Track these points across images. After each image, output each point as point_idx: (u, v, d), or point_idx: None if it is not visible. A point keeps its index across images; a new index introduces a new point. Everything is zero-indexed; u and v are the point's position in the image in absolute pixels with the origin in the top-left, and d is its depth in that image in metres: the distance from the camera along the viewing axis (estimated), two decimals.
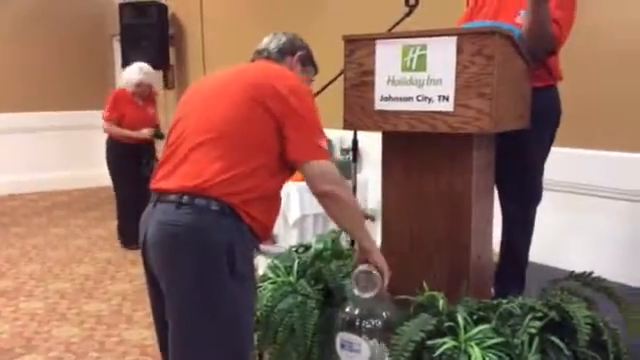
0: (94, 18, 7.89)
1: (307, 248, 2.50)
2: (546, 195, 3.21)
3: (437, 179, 2.13)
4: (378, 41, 2.08)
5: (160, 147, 6.05)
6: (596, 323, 1.75)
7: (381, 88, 2.08)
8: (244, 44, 5.75)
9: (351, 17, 4.51)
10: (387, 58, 2.06)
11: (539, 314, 1.78)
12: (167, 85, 7.09)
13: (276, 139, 1.75)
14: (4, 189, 7.35)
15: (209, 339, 1.69)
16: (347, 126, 2.22)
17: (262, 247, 2.10)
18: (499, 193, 2.46)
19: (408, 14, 2.57)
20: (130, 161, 4.94)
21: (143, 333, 3.32)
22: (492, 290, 2.47)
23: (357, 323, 1.95)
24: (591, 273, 2.01)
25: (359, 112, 2.15)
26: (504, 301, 1.86)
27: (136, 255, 4.49)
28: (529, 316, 1.77)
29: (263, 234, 1.82)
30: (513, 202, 2.45)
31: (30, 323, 3.54)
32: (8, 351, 3.18)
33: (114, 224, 5.33)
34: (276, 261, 2.30)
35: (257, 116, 1.75)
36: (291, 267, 2.24)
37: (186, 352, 1.72)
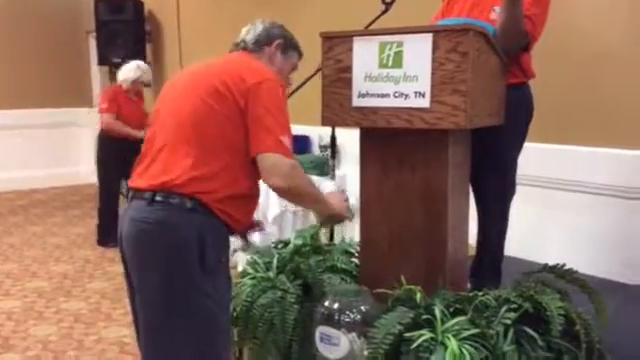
0: (69, 14, 7.80)
1: (286, 244, 2.52)
2: (523, 190, 3.27)
3: (414, 175, 2.15)
4: (355, 38, 2.10)
5: None
6: (569, 314, 1.80)
7: (358, 85, 2.10)
8: (220, 40, 5.73)
9: (329, 14, 4.53)
10: (364, 55, 2.08)
11: (513, 305, 1.82)
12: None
13: (245, 137, 1.74)
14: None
15: (178, 338, 1.69)
16: (325, 122, 2.23)
17: (253, 235, 2.12)
18: (473, 189, 2.50)
19: (384, 11, 2.60)
20: (122, 158, 4.85)
21: (122, 331, 3.31)
22: (468, 284, 2.52)
23: (336, 317, 1.98)
24: (564, 265, 2.05)
25: (337, 109, 2.16)
26: (480, 293, 1.89)
27: (114, 253, 4.47)
28: (504, 308, 1.81)
29: (240, 227, 1.83)
30: (487, 197, 2.50)
31: (7, 322, 3.50)
32: None
33: (93, 222, 5.29)
34: (255, 257, 2.32)
35: (225, 112, 1.73)
36: (270, 263, 2.25)
37: (156, 351, 1.72)
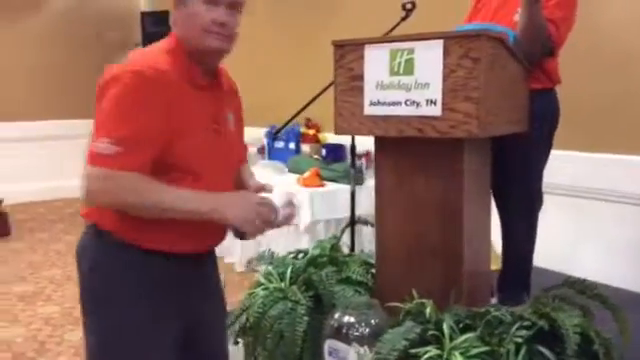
0: (121, 27, 8.03)
1: (305, 254, 2.49)
2: (558, 200, 3.16)
3: (428, 184, 2.09)
4: (367, 46, 2.06)
5: None
6: (587, 332, 1.70)
7: (370, 93, 2.06)
8: (257, 48, 5.82)
9: (358, 21, 4.50)
10: (376, 62, 2.04)
11: (527, 323, 1.73)
12: None
13: None
14: (32, 196, 7.52)
15: None
16: (338, 131, 2.20)
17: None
18: (496, 199, 2.41)
19: (405, 18, 2.55)
20: None
21: None
22: (494, 299, 2.43)
23: (344, 330, 1.94)
24: (584, 280, 1.95)
25: (349, 117, 2.13)
26: (492, 309, 1.81)
27: None
28: (517, 325, 1.73)
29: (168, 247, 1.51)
30: (511, 208, 2.41)
31: (45, 327, 3.61)
32: (21, 355, 3.25)
33: None
34: (270, 267, 2.30)
35: None
36: (284, 273, 2.23)
37: None
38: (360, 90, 2.09)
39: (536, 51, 2.17)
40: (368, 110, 2.08)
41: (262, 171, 4.71)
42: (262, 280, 2.24)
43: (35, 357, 3.22)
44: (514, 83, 2.13)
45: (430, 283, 2.09)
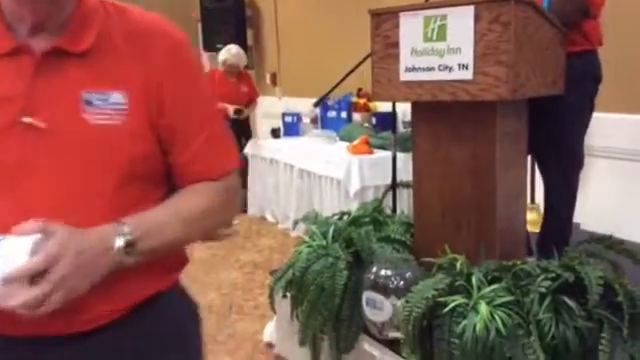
0: (181, 3, 8.28)
1: (349, 215, 2.63)
2: (608, 163, 3.16)
3: (463, 147, 2.18)
4: (402, 13, 2.15)
5: (255, 126, 6.36)
6: (611, 284, 1.77)
7: (405, 59, 2.16)
8: (314, 23, 5.93)
9: None
10: (410, 30, 2.13)
11: (552, 274, 1.81)
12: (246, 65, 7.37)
13: None
14: None
15: None
16: (376, 98, 2.31)
17: None
18: (537, 161, 2.47)
19: None
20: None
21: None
22: (532, 258, 2.50)
23: (381, 283, 2.08)
24: (611, 236, 2.00)
25: (386, 84, 2.23)
26: (518, 262, 1.90)
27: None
28: (542, 276, 1.81)
29: None
30: (551, 170, 2.45)
31: None
32: None
33: None
34: (313, 227, 2.45)
35: None
36: (327, 232, 2.38)
37: None
38: (396, 57, 2.18)
39: (569, 13, 2.19)
40: (404, 76, 2.17)
41: (313, 140, 4.86)
42: (306, 239, 2.40)
43: None
44: (548, 46, 2.17)
45: (464, 241, 2.19)
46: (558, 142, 2.40)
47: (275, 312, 2.55)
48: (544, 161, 2.48)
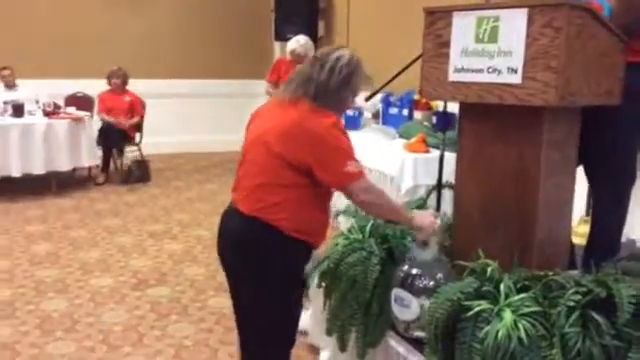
0: None
1: None
2: None
3: (508, 151, 2.15)
4: (455, 13, 2.13)
5: None
6: None
7: (455, 60, 2.14)
8: (384, 18, 5.90)
9: None
10: (462, 30, 2.11)
11: (584, 289, 1.77)
12: None
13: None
14: (177, 147, 8.22)
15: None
16: (424, 96, 2.31)
17: None
18: (586, 173, 2.39)
19: None
20: None
21: None
22: (578, 271, 2.44)
23: (410, 281, 2.09)
24: None
25: (435, 82, 2.22)
26: (550, 273, 1.87)
27: None
28: (572, 290, 1.77)
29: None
30: (601, 183, 2.38)
31: (167, 261, 4.09)
32: (143, 282, 3.74)
33: None
34: (352, 220, 2.48)
35: None
36: (365, 227, 2.40)
37: None
38: (446, 57, 2.17)
39: (629, 22, 2.11)
40: (452, 76, 2.16)
41: (372, 135, 4.87)
42: (344, 231, 2.43)
43: (155, 284, 3.69)
44: (605, 54, 2.10)
45: (501, 246, 2.16)
46: (610, 154, 2.32)
47: (310, 300, 2.60)
48: (594, 173, 2.40)
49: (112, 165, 6.65)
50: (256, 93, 8.60)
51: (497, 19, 2.01)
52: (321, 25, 7.26)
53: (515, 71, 1.98)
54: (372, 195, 2.03)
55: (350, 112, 5.64)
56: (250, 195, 2.04)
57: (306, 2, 7.07)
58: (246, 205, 2.04)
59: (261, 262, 2.03)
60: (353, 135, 5.04)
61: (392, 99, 5.37)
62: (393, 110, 5.31)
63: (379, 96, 5.44)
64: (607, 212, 2.41)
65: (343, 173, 1.97)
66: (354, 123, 5.53)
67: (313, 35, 7.16)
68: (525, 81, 1.96)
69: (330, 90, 2.02)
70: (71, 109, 6.39)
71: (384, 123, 5.35)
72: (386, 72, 4.72)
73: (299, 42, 5.55)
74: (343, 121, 5.55)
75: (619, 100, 2.21)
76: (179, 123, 8.25)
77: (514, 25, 1.97)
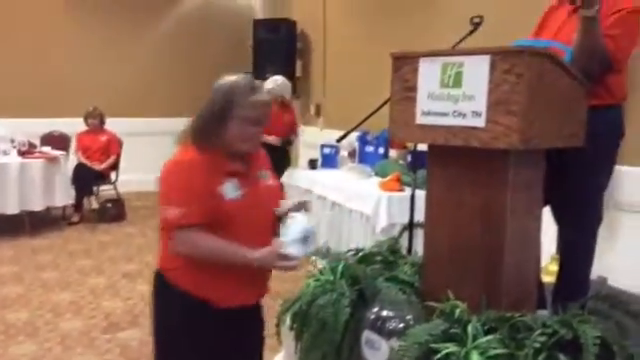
0: (236, 33, 8.56)
1: (362, 251, 2.65)
2: (634, 218, 3.07)
3: (475, 193, 2.18)
4: (421, 59, 2.19)
5: (293, 153, 6.51)
6: (610, 345, 1.73)
7: (422, 103, 2.19)
8: (359, 60, 6.01)
9: (435, 32, 4.57)
10: (428, 75, 2.16)
11: (549, 330, 1.78)
12: (294, 94, 7.52)
13: None
14: (153, 185, 8.18)
15: None
16: (392, 138, 2.35)
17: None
18: (553, 213, 2.43)
19: (472, 32, 2.63)
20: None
21: None
22: (547, 310, 2.45)
23: (380, 323, 2.08)
24: (616, 295, 1.95)
25: (403, 125, 2.26)
26: (517, 314, 1.88)
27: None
28: (538, 331, 1.79)
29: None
30: (567, 223, 2.42)
31: (140, 302, 4.03)
32: (114, 324, 3.68)
33: None
34: (323, 261, 2.48)
35: None
36: (336, 267, 2.40)
37: None
38: (413, 100, 2.21)
39: (594, 67, 2.18)
40: (419, 119, 2.20)
41: (349, 174, 4.91)
42: (316, 272, 2.43)
43: (126, 327, 3.63)
44: (567, 98, 2.16)
45: (471, 287, 2.17)
46: (576, 195, 2.37)
47: (282, 343, 2.58)
48: (561, 213, 2.44)
49: (87, 204, 6.58)
50: None
51: (461, 65, 2.07)
52: (299, 65, 7.36)
53: (479, 115, 2.02)
54: (186, 248, 1.83)
55: (327, 150, 5.70)
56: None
57: (284, 42, 7.18)
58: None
59: (156, 320, 1.97)
60: (330, 174, 5.14)
61: (368, 137, 5.44)
62: (369, 148, 5.36)
63: (355, 135, 5.52)
64: (574, 252, 2.44)
65: (163, 216, 1.84)
66: (331, 161, 5.58)
67: (291, 75, 7.25)
68: (489, 125, 2.00)
69: (206, 123, 1.87)
70: (47, 148, 6.36)
71: (360, 161, 5.39)
72: (361, 111, 4.79)
73: (276, 82, 5.62)
74: (320, 159, 5.61)
75: (583, 142, 2.26)
76: (157, 161, 8.20)
77: (477, 71, 2.02)
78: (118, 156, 6.73)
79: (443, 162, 2.28)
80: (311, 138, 6.72)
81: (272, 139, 5.49)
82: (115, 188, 6.66)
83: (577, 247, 2.43)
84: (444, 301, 2.07)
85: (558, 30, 2.41)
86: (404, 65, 2.25)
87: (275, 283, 4.24)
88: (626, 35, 2.20)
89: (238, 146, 1.88)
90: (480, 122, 2.02)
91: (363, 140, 5.46)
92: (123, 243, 5.63)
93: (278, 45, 7.20)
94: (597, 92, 2.29)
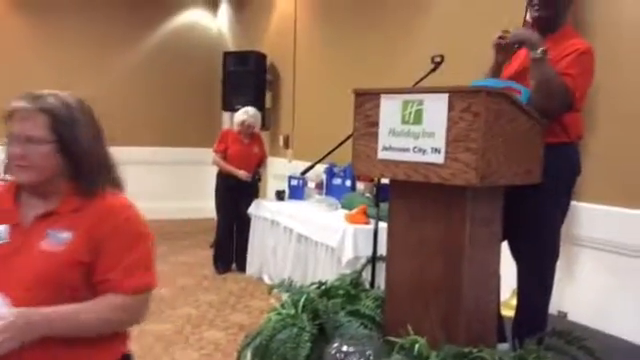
0: (206, 65, 8.59)
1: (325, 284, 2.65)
2: (596, 255, 3.14)
3: (436, 228, 2.21)
4: (382, 95, 2.24)
5: (265, 186, 6.51)
6: None
7: (383, 139, 2.23)
8: (327, 93, 6.09)
9: (397, 71, 4.68)
10: (390, 111, 2.21)
11: None
12: (263, 126, 7.54)
13: None
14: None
15: None
16: (356, 172, 2.38)
17: None
18: (510, 248, 2.48)
19: (433, 70, 2.70)
20: (233, 196, 5.64)
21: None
22: (507, 344, 2.48)
23: (340, 358, 2.08)
24: (571, 332, 1.99)
25: (365, 160, 2.30)
26: (475, 350, 1.90)
27: (214, 281, 4.92)
28: None
29: None
30: (523, 259, 2.46)
31: None
32: None
33: (201, 253, 5.86)
34: (285, 295, 2.47)
35: None
36: (298, 301, 2.39)
37: None
38: (375, 136, 2.26)
39: (553, 106, 2.26)
40: (381, 154, 2.24)
41: (315, 206, 4.92)
42: (277, 306, 2.42)
43: None
44: (524, 137, 2.22)
45: (431, 322, 2.19)
46: (530, 233, 2.41)
47: None
48: (517, 249, 2.48)
49: None
50: (204, 161, 8.66)
51: (421, 102, 2.12)
52: (268, 96, 7.41)
53: (438, 151, 2.07)
54: None
55: (294, 182, 5.71)
56: None
57: (254, 74, 7.23)
58: None
59: None
60: (297, 205, 5.15)
61: (335, 170, 5.47)
62: (336, 181, 5.39)
63: (322, 167, 5.55)
64: (531, 288, 2.47)
65: None
66: (298, 193, 5.59)
67: (260, 106, 7.29)
68: (448, 161, 2.05)
69: None
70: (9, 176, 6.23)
71: (327, 193, 5.41)
72: (329, 143, 4.85)
73: (248, 113, 5.67)
74: (287, 191, 5.61)
75: (539, 179, 2.32)
76: (144, 190, 8.13)
77: (436, 109, 2.07)
78: None
79: (404, 197, 2.31)
80: (280, 169, 6.73)
81: (242, 174, 5.52)
82: None
83: (533, 283, 2.47)
84: (404, 336, 2.08)
85: (515, 73, 2.48)
86: (366, 101, 2.30)
87: (239, 316, 4.22)
88: (582, 74, 2.28)
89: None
90: (439, 158, 2.07)
91: (330, 172, 5.49)
92: None
93: (248, 77, 7.24)
94: (553, 130, 2.36)
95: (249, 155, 5.70)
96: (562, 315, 3.33)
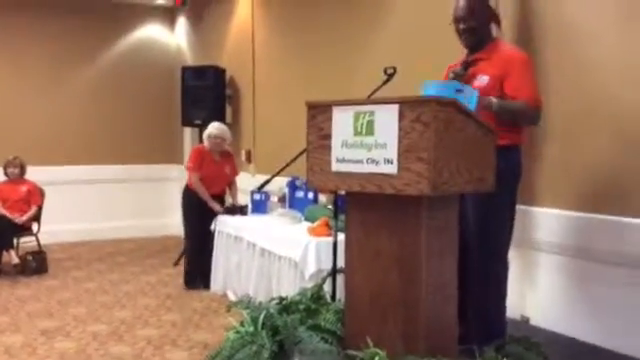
0: (164, 81, 8.50)
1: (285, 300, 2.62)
2: (556, 259, 3.17)
3: (391, 238, 2.21)
4: (334, 107, 2.24)
5: (228, 201, 6.44)
6: None
7: (337, 151, 2.23)
8: (287, 107, 6.09)
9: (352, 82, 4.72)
10: (342, 123, 2.21)
11: None
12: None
13: None
14: (78, 235, 7.91)
15: None
16: (310, 185, 2.36)
17: None
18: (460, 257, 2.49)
19: (386, 82, 2.72)
20: (201, 214, 5.53)
21: None
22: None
23: None
24: (529, 339, 2.00)
25: (319, 173, 2.29)
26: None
27: (172, 302, 4.83)
28: None
29: None
30: (474, 261, 2.48)
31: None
32: None
33: (166, 271, 5.84)
34: (245, 312, 2.43)
35: None
36: (257, 318, 2.36)
37: None
38: (328, 148, 2.25)
39: (528, 124, 2.38)
40: (335, 167, 2.24)
41: (278, 219, 4.88)
42: (235, 324, 2.38)
43: None
44: (475, 144, 2.24)
45: (390, 334, 2.18)
46: (478, 235, 2.45)
47: None
48: (468, 255, 2.50)
49: (7, 258, 6.25)
50: (167, 177, 8.55)
51: (372, 114, 2.13)
52: (228, 111, 7.36)
53: (391, 162, 2.07)
54: None
55: (257, 196, 5.66)
56: None
57: (213, 89, 7.17)
58: None
59: None
60: (260, 220, 5.10)
61: (298, 183, 5.44)
62: (299, 193, 5.37)
63: (285, 180, 5.53)
64: (483, 290, 2.50)
65: None
66: (261, 207, 5.54)
67: (221, 121, 7.24)
68: (401, 172, 2.05)
69: None
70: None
71: (290, 206, 5.38)
72: (290, 157, 4.84)
73: (218, 128, 5.67)
74: (250, 205, 5.57)
75: (492, 187, 2.34)
76: (80, 210, 7.99)
77: (387, 119, 2.08)
78: (40, 207, 6.48)
79: (360, 208, 2.31)
80: (243, 184, 6.67)
81: (218, 209, 5.48)
82: (37, 240, 6.37)
83: (483, 282, 2.50)
84: (364, 349, 2.06)
85: (469, 78, 2.52)
86: (318, 114, 2.29)
87: (202, 334, 4.14)
88: (532, 81, 2.37)
89: None
90: (392, 169, 2.07)
91: (293, 185, 5.47)
92: (43, 297, 5.35)
93: (207, 91, 7.18)
94: (500, 133, 2.39)
95: (220, 176, 5.67)
96: (525, 320, 3.35)
